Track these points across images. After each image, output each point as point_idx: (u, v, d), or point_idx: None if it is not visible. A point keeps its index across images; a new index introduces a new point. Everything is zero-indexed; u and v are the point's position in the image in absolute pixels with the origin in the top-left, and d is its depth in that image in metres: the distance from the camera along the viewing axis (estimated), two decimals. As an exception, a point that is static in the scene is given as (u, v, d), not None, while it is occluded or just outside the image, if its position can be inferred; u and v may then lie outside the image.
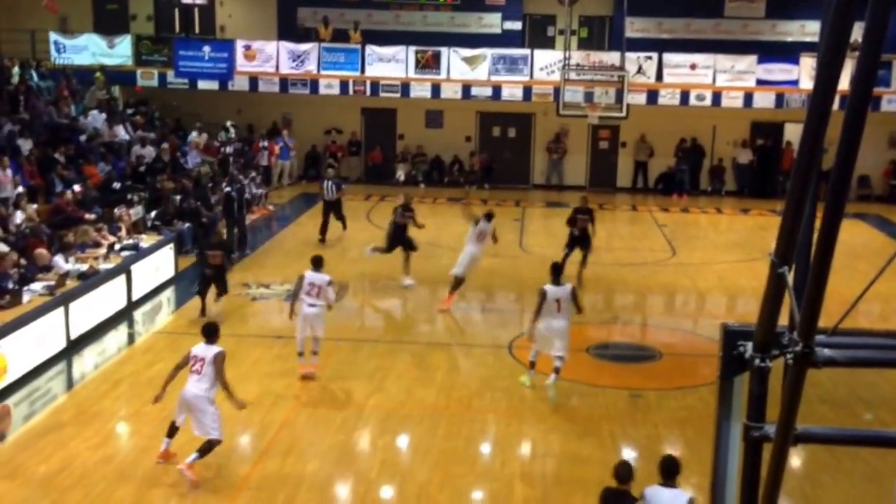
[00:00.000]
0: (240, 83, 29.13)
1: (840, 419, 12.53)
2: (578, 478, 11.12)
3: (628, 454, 12.12)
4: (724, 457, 2.95)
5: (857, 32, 2.50)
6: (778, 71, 28.35)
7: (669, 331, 17.65)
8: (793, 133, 30.72)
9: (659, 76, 28.70)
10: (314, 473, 11.01)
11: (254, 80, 29.25)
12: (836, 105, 2.56)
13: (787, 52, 28.95)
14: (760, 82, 28.43)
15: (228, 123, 29.95)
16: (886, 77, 27.51)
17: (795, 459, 11.69)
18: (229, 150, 27.97)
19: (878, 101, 27.52)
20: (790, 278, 2.45)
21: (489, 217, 18.13)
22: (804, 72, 27.45)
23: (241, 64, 29.16)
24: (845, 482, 10.59)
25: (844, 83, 2.46)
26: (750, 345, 2.75)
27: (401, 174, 31.81)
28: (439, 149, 32.25)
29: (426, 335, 16.80)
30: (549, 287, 13.40)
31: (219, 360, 10.54)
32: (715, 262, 22.46)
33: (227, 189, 21.65)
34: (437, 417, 12.88)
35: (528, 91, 29.14)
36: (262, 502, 10.33)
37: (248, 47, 29.26)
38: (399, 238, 19.11)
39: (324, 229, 22.82)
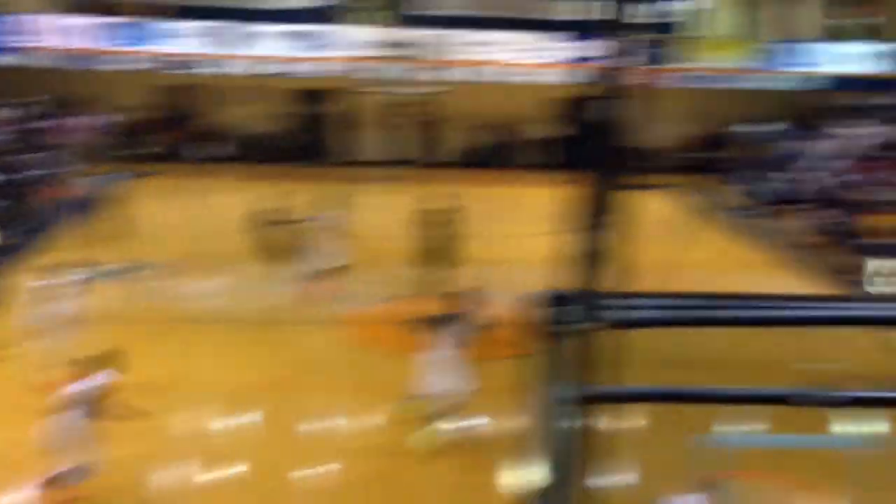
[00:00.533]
0: (32, 59, 27.67)
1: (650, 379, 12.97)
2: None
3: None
4: (540, 421, 3.00)
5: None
6: (576, 48, 29.02)
7: (499, 302, 17.73)
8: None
9: (457, 52, 29.13)
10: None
11: (47, 55, 27.85)
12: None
13: (578, 29, 29.50)
14: (564, 59, 29.19)
15: (29, 100, 28.30)
16: (678, 54, 28.81)
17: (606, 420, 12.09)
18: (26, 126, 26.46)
19: (676, 77, 28.72)
20: (597, 241, 2.51)
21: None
22: (597, 49, 28.17)
23: (32, 38, 27.68)
24: (665, 439, 10.98)
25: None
26: (559, 310, 2.80)
27: (210, 152, 30.92)
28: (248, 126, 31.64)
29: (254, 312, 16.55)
30: None
31: None
32: (521, 235, 22.85)
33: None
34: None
35: (330, 67, 29.04)
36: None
37: (36, 21, 27.86)
38: None
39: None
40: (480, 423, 12.28)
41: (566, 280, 2.79)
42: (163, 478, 10.53)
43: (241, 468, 10.85)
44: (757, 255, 22.34)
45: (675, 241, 19.84)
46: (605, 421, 2.73)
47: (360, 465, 11.08)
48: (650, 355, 13.50)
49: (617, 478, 10.68)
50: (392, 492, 10.75)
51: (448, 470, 11.23)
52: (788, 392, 2.95)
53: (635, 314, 2.55)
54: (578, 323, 2.76)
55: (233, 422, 12.01)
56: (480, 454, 11.39)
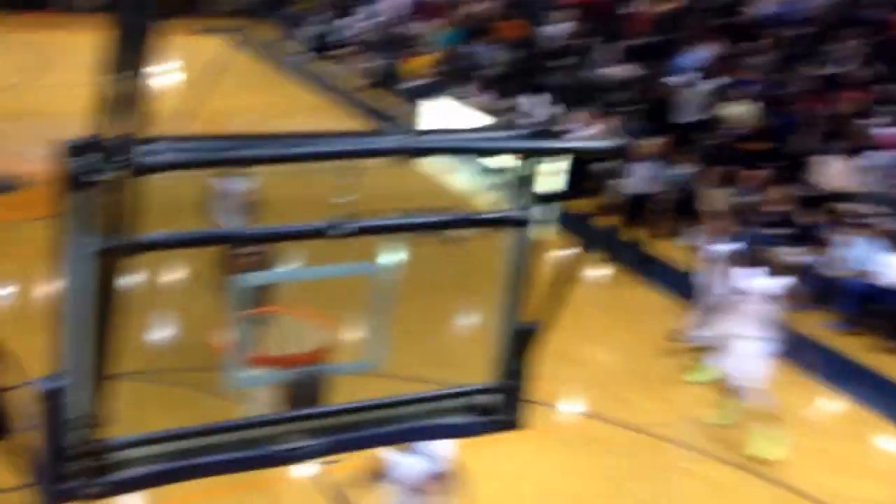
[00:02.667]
0: None
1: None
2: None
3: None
4: (68, 273, 2.85)
5: None
6: None
7: (31, 159, 16.64)
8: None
9: None
10: None
11: None
12: None
13: None
14: None
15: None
16: None
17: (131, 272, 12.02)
18: None
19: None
20: (121, 85, 2.37)
21: None
22: None
23: None
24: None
25: None
26: (81, 159, 2.64)
27: None
28: None
29: None
30: None
31: None
32: (78, 85, 21.44)
33: None
34: None
35: None
36: None
37: None
38: None
39: None
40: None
41: (96, 129, 2.61)
42: None
43: None
44: (311, 100, 22.79)
45: (229, 85, 19.66)
46: (130, 273, 2.65)
47: None
48: (178, 204, 13.61)
49: (157, 330, 10.84)
50: None
51: None
52: (314, 227, 3.04)
53: (159, 158, 2.46)
54: (99, 172, 2.61)
55: None
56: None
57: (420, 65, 21.42)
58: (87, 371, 2.91)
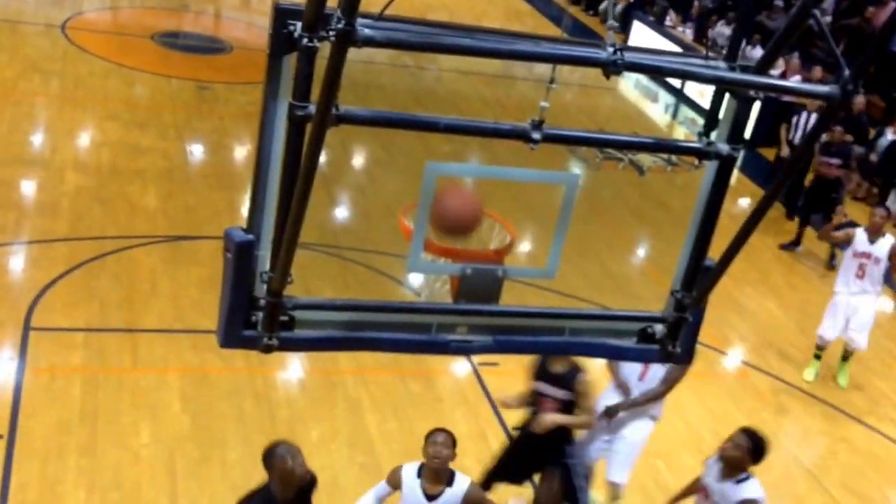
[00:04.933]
0: None
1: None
2: (137, 168, 10.90)
3: (194, 146, 12.08)
4: (269, 136, 2.94)
5: None
6: None
7: (244, 24, 17.27)
8: None
9: None
10: None
11: None
12: None
13: None
14: None
15: None
16: None
17: (351, 155, 12.37)
18: None
19: None
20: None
21: None
22: None
23: None
24: (395, 174, 11.40)
25: None
26: (300, 24, 2.69)
27: None
28: None
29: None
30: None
31: None
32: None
33: None
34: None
35: None
36: None
37: None
38: None
39: None
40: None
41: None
42: None
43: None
44: (514, 5, 22.52)
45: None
46: (326, 144, 2.70)
47: None
48: (379, 90, 13.84)
49: (347, 206, 11.14)
50: None
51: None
52: (518, 127, 3.01)
53: (367, 33, 2.47)
54: (307, 38, 2.65)
55: None
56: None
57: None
58: (274, 232, 3.02)
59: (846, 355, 9.18)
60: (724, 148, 3.27)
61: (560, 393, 5.83)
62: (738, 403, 8.65)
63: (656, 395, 6.35)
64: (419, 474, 5.06)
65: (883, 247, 8.82)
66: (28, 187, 10.17)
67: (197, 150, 12.09)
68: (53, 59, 13.63)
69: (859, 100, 14.06)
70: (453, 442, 5.06)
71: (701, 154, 3.32)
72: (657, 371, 6.25)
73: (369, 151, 12.59)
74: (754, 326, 10.15)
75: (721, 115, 3.34)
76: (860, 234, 8.93)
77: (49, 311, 8.16)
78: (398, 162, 11.50)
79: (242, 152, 12.02)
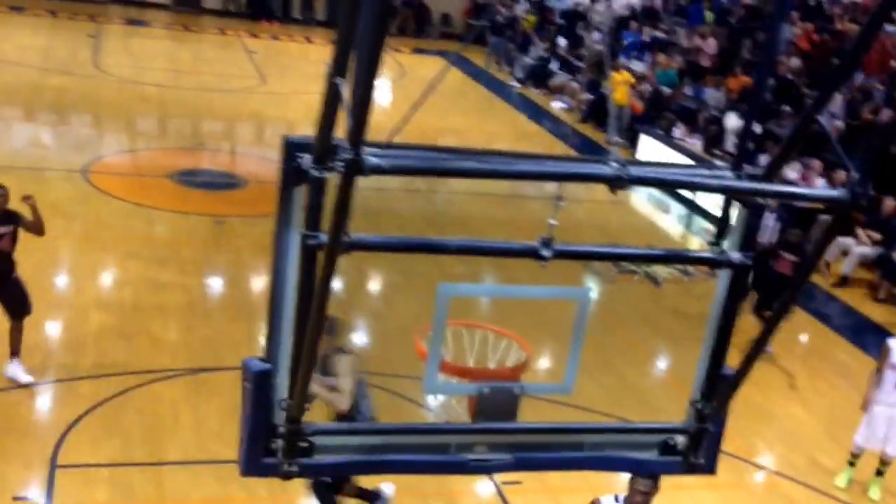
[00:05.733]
0: None
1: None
2: (158, 303, 11.02)
3: (212, 280, 12.23)
4: (282, 266, 3.01)
5: None
6: None
7: (257, 159, 17.68)
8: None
9: None
10: None
11: None
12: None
13: None
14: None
15: None
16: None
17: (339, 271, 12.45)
18: None
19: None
20: (345, 91, 2.50)
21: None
22: None
23: None
24: (411, 297, 11.47)
25: None
26: (308, 156, 2.79)
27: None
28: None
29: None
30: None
31: None
32: (304, 92, 22.63)
33: None
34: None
35: None
36: None
37: None
38: None
39: None
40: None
41: (317, 131, 2.77)
42: None
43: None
44: (524, 127, 23.02)
45: (441, 105, 20.14)
46: (337, 270, 2.77)
47: None
48: (391, 215, 14.07)
49: (363, 330, 11.18)
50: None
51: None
52: (528, 245, 3.07)
53: (375, 161, 2.56)
54: (316, 169, 2.75)
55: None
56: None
57: (623, 94, 20.99)
58: (291, 360, 3.07)
59: (881, 470, 8.93)
60: (736, 256, 3.31)
61: None
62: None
63: None
64: None
65: None
66: (53, 328, 10.28)
67: (215, 284, 12.24)
68: (75, 202, 13.92)
69: (888, 203, 14.18)
70: None
71: (714, 263, 3.37)
72: None
73: (385, 276, 12.71)
74: (781, 434, 10.00)
75: (732, 223, 3.39)
76: (893, 344, 8.68)
77: (75, 448, 8.17)
78: (413, 284, 11.58)
79: (259, 283, 12.14)
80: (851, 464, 9.05)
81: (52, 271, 11.64)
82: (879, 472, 8.94)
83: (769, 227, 12.95)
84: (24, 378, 8.87)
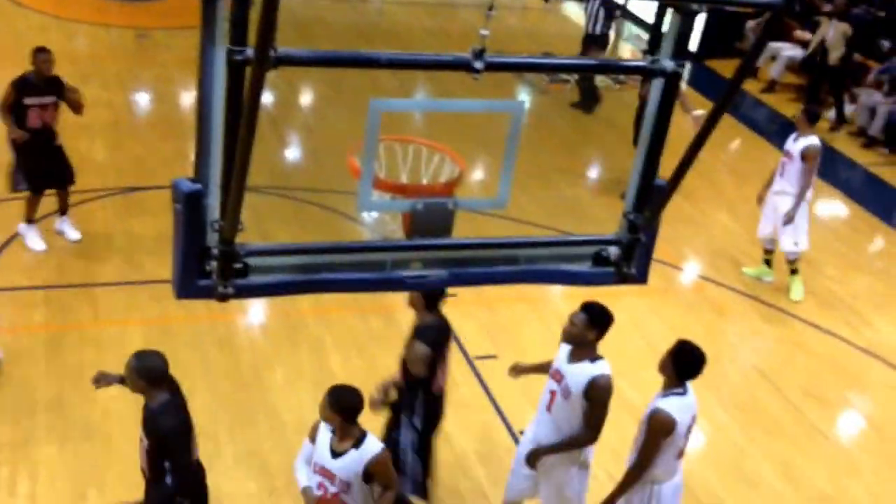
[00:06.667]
0: None
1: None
2: (83, 122, 10.66)
3: (139, 96, 11.89)
4: (209, 82, 2.89)
5: None
6: None
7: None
8: None
9: None
10: None
11: None
12: None
13: None
14: None
15: None
16: None
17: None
18: None
19: None
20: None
21: None
22: None
23: None
24: (342, 112, 11.29)
25: None
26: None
27: None
28: None
29: None
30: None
31: None
32: None
33: None
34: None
35: None
36: None
37: None
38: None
39: None
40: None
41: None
42: None
43: None
44: None
45: None
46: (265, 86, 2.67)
47: None
48: (320, 26, 13.65)
49: (295, 147, 11.06)
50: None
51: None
52: (460, 58, 2.99)
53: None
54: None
55: None
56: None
57: None
58: (222, 179, 3.00)
59: (793, 269, 9.27)
60: (668, 64, 3.26)
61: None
62: (697, 316, 8.81)
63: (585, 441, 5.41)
64: (334, 429, 4.80)
65: (799, 146, 8.83)
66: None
67: (141, 100, 11.90)
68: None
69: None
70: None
71: (646, 72, 3.32)
72: (561, 405, 5.36)
73: (315, 90, 12.47)
74: (708, 240, 10.28)
75: (665, 30, 3.32)
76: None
77: (7, 270, 8.09)
78: (345, 99, 11.39)
79: (187, 99, 11.84)
80: (767, 262, 9.47)
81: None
82: (793, 272, 9.26)
83: None
84: (73, 235, 8.69)
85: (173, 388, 4.94)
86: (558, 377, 5.32)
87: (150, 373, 4.80)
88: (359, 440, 4.76)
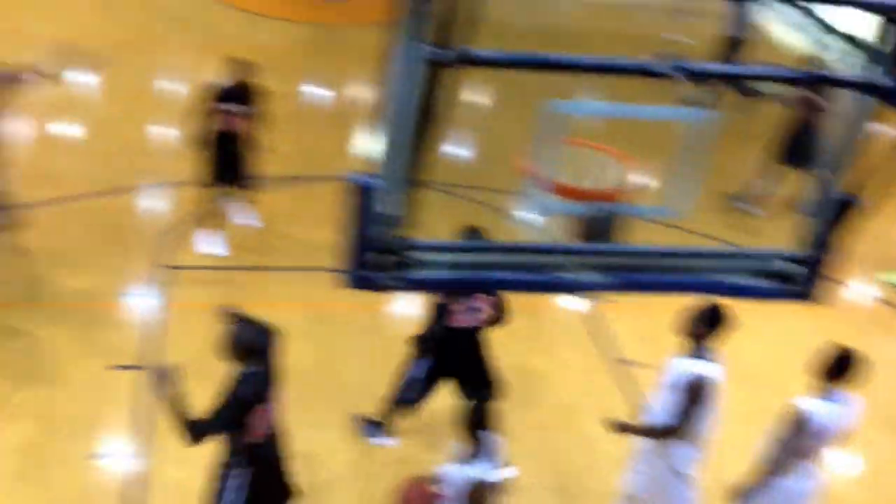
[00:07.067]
0: None
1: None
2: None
3: (316, 89, 12.22)
4: (397, 77, 2.90)
5: None
6: None
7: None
8: None
9: None
10: None
11: None
12: None
13: None
14: None
15: None
16: None
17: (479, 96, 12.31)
18: None
19: None
20: None
21: None
22: None
23: None
24: (515, 113, 11.29)
25: None
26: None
27: None
28: None
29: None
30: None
31: None
32: None
33: None
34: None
35: None
36: None
37: None
38: None
39: None
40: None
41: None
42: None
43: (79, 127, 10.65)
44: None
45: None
46: (454, 86, 2.68)
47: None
48: (509, 28, 13.70)
49: (468, 146, 11.11)
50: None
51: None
52: (649, 63, 2.92)
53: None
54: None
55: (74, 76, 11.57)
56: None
57: None
58: (400, 174, 3.03)
59: None
60: (880, 78, 3.10)
61: None
62: (865, 336, 8.38)
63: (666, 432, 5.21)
64: None
65: None
66: (160, 133, 10.50)
67: (318, 92, 12.25)
68: (182, 8, 13.98)
69: None
70: None
71: (855, 86, 3.17)
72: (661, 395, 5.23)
73: (490, 89, 12.51)
74: (884, 255, 9.75)
75: (874, 43, 3.16)
76: None
77: (187, 249, 8.51)
78: (518, 100, 11.37)
79: (365, 93, 12.10)
80: None
81: (158, 76, 11.80)
82: None
83: None
84: (250, 221, 9.07)
85: (263, 363, 4.92)
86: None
87: (243, 346, 4.83)
88: None
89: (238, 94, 8.31)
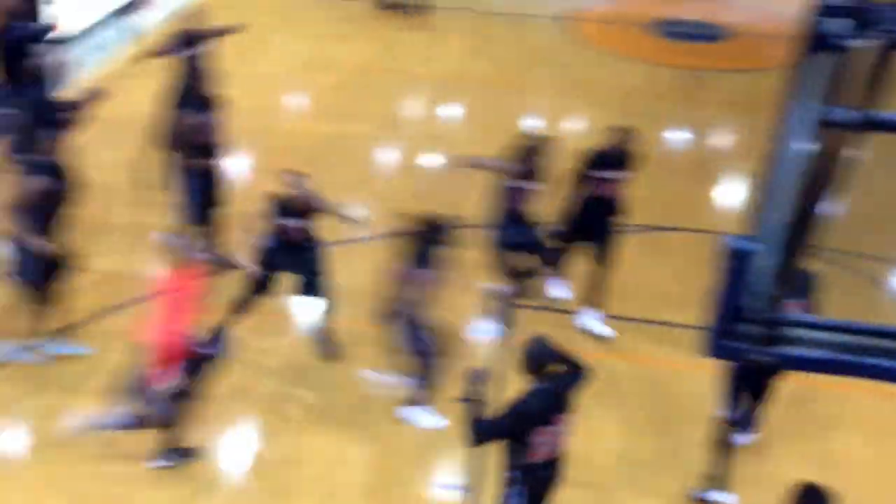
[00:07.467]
0: None
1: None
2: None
3: (679, 135, 12.03)
4: (787, 137, 2.73)
5: None
6: None
7: (746, 9, 16.66)
8: None
9: None
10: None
11: None
12: None
13: None
14: None
15: None
16: None
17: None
18: None
19: None
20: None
21: None
22: None
23: None
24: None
25: None
26: (835, 21, 2.47)
27: None
28: None
29: (484, 3, 16.23)
30: None
31: None
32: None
33: None
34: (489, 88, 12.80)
35: None
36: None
37: None
38: None
39: None
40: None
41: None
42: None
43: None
44: None
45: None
46: (844, 149, 2.46)
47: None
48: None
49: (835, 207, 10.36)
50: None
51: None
52: None
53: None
54: (851, 37, 2.43)
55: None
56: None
57: None
58: (779, 240, 2.83)
59: None
60: None
61: None
62: None
63: None
64: None
65: None
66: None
67: (681, 139, 12.04)
68: (552, 49, 14.36)
69: None
70: None
71: None
72: None
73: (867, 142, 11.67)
74: None
75: None
76: None
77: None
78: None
79: (725, 143, 11.76)
80: None
81: (522, 115, 12.13)
82: None
83: None
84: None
85: (548, 378, 5.17)
86: None
87: (535, 361, 5.16)
88: None
89: (614, 160, 8.09)
